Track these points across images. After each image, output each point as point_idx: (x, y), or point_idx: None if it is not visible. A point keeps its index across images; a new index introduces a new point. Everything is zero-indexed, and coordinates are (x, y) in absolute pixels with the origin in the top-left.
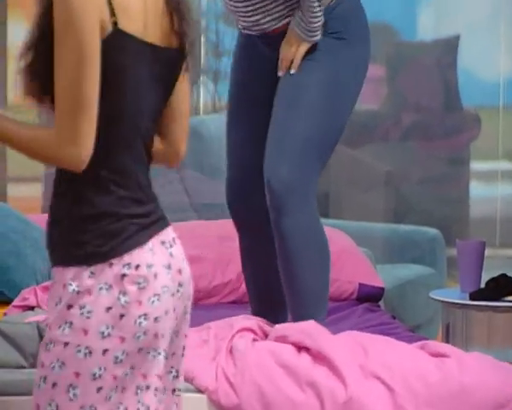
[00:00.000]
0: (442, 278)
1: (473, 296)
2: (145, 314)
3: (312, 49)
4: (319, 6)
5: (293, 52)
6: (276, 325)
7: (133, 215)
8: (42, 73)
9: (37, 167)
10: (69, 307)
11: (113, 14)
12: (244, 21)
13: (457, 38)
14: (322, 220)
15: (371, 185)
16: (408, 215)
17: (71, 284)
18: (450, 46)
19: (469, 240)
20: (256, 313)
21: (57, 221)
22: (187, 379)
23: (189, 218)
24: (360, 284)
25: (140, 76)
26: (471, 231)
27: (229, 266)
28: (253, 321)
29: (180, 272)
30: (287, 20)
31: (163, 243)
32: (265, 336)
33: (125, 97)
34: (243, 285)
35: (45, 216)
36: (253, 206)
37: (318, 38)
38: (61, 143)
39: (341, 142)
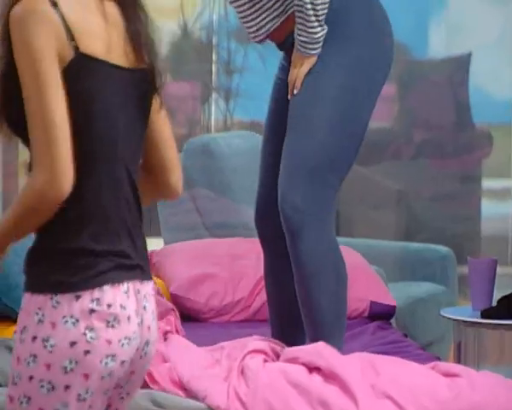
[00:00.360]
0: (453, 296)
1: (484, 314)
2: (113, 355)
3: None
4: (316, 17)
5: (295, 73)
6: (288, 348)
7: (110, 252)
8: (11, 112)
9: None
10: (34, 338)
11: (72, 38)
12: (250, 28)
13: (469, 55)
14: None
15: (382, 203)
16: (419, 233)
17: (37, 314)
18: (461, 64)
19: (481, 258)
20: (275, 331)
21: (33, 248)
22: (199, 398)
23: (201, 236)
24: (372, 302)
25: (110, 100)
26: (482, 248)
27: (241, 284)
28: (265, 343)
29: (149, 329)
30: (285, 16)
31: (139, 292)
32: (277, 357)
33: (97, 123)
34: (254, 304)
35: None
36: (278, 225)
37: (317, 51)
38: (39, 175)
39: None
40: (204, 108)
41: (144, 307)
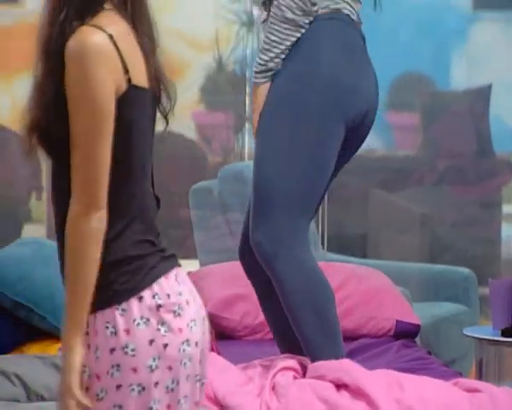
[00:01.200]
0: (475, 316)
1: (505, 333)
2: (187, 340)
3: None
4: (266, 51)
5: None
6: (312, 364)
7: (152, 252)
8: (52, 132)
9: None
10: (111, 350)
11: (126, 71)
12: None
13: (489, 87)
14: (361, 261)
15: (407, 227)
16: (442, 255)
17: (107, 328)
18: (482, 95)
19: (501, 279)
20: (282, 351)
21: None
22: None
23: (235, 259)
24: (397, 321)
25: (144, 123)
26: (503, 270)
27: None
28: (294, 360)
29: (202, 307)
30: None
31: (181, 276)
32: (305, 374)
33: (136, 146)
34: None
35: None
36: (258, 264)
37: (260, 80)
38: (76, 206)
39: (379, 186)
40: (238, 137)
41: (191, 288)
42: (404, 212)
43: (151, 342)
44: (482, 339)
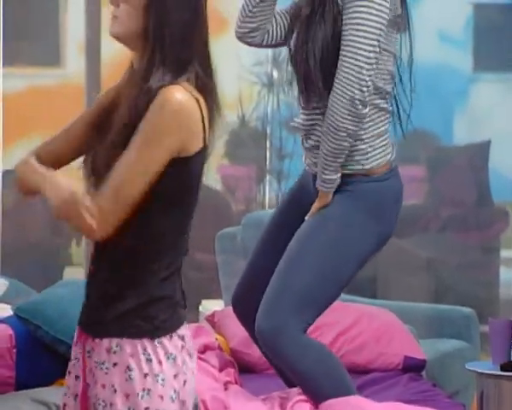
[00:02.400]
0: (476, 352)
1: (503, 368)
2: (193, 382)
3: (333, 202)
4: (333, 159)
5: (315, 203)
6: (324, 403)
7: (179, 300)
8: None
9: None
10: (145, 375)
11: (205, 132)
12: (309, 159)
13: (489, 142)
14: (371, 301)
15: (414, 270)
16: (446, 296)
17: (143, 354)
18: (482, 149)
19: (500, 319)
20: (287, 385)
21: (122, 297)
22: None
23: None
24: (405, 357)
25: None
26: (501, 310)
27: None
28: None
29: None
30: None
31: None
32: None
33: (197, 194)
34: None
35: None
36: (256, 308)
37: (330, 189)
38: (101, 217)
39: None
40: (259, 188)
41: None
42: (410, 256)
43: (175, 376)
44: (483, 373)
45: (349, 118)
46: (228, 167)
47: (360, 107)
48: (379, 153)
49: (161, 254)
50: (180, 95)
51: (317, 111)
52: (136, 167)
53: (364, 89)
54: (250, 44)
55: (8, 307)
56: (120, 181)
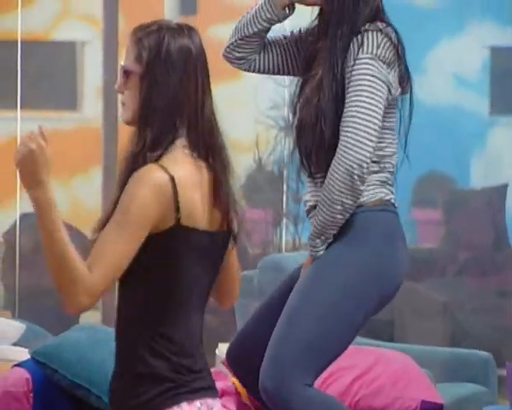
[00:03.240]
0: (493, 396)
1: None
2: None
3: (327, 252)
4: (324, 229)
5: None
6: None
7: (184, 381)
8: None
9: None
10: None
11: (178, 210)
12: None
13: (505, 186)
14: (388, 344)
15: (431, 314)
16: (463, 340)
17: None
18: (499, 193)
19: None
20: None
21: (146, 374)
22: None
23: None
24: (422, 401)
25: (194, 260)
26: None
27: (329, 389)
28: None
29: None
30: None
31: (211, 408)
32: None
33: (180, 279)
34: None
35: None
36: (252, 365)
37: (318, 254)
38: (86, 288)
39: (405, 276)
40: (276, 231)
41: None
42: (427, 299)
43: None
44: None
45: (346, 192)
46: (244, 211)
47: (358, 183)
48: (372, 189)
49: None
50: (152, 173)
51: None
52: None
53: (364, 165)
54: (238, 68)
55: (25, 350)
56: (100, 257)
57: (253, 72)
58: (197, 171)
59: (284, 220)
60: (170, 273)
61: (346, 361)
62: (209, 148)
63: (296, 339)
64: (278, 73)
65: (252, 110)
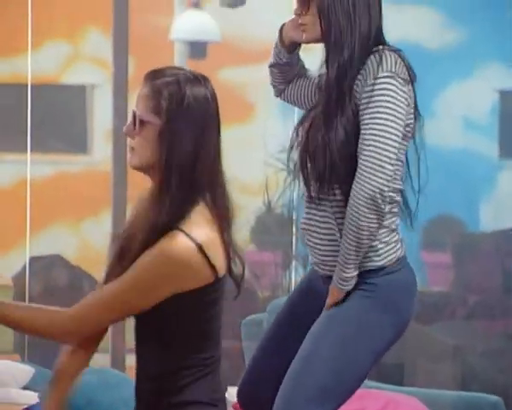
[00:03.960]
0: None
1: None
2: None
3: (345, 299)
4: (353, 260)
5: (328, 300)
6: None
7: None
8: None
9: None
10: None
11: (214, 269)
12: (315, 257)
13: None
14: (398, 388)
15: (441, 357)
16: (473, 383)
17: None
18: (508, 236)
19: None
20: None
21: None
22: None
23: None
24: None
25: (220, 300)
26: None
27: None
28: None
29: None
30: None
31: None
32: None
33: (213, 322)
34: None
35: None
36: (263, 401)
37: (348, 287)
38: (72, 327)
39: (414, 319)
40: (285, 274)
41: None
42: (437, 343)
43: None
44: None
45: (371, 217)
46: (254, 253)
47: (382, 206)
48: (391, 248)
49: None
50: (179, 246)
51: (323, 207)
52: (111, 302)
53: (385, 188)
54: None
55: (35, 394)
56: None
57: (286, 101)
58: (211, 222)
59: (293, 263)
60: (209, 322)
61: (355, 405)
62: (223, 205)
63: (309, 382)
64: (302, 106)
65: (261, 153)
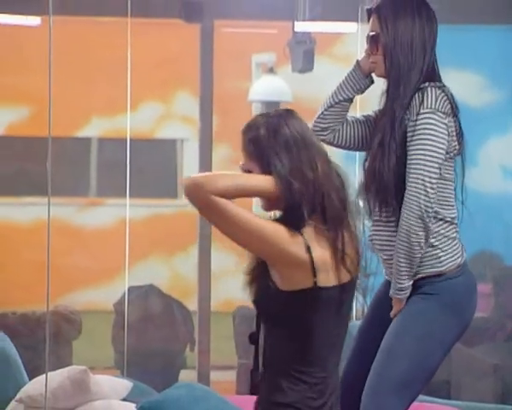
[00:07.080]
0: None
1: None
2: None
3: (411, 303)
4: (406, 271)
5: (393, 309)
6: None
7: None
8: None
9: (232, 356)
10: None
11: (314, 274)
12: (389, 269)
13: None
14: (445, 401)
15: (483, 375)
16: (511, 398)
17: None
18: None
19: None
20: None
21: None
22: None
23: None
24: None
25: (324, 315)
26: None
27: None
28: None
29: None
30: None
31: None
32: None
33: (314, 334)
34: None
35: (240, 397)
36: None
37: (404, 296)
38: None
39: (460, 341)
40: None
41: None
42: (480, 362)
43: None
44: None
45: (421, 234)
46: None
47: (429, 224)
48: (451, 256)
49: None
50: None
51: (390, 224)
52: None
53: (429, 210)
54: (323, 141)
55: (133, 405)
56: None
57: (337, 145)
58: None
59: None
60: (303, 327)
61: None
62: (333, 221)
63: (392, 375)
64: (357, 148)
65: None
